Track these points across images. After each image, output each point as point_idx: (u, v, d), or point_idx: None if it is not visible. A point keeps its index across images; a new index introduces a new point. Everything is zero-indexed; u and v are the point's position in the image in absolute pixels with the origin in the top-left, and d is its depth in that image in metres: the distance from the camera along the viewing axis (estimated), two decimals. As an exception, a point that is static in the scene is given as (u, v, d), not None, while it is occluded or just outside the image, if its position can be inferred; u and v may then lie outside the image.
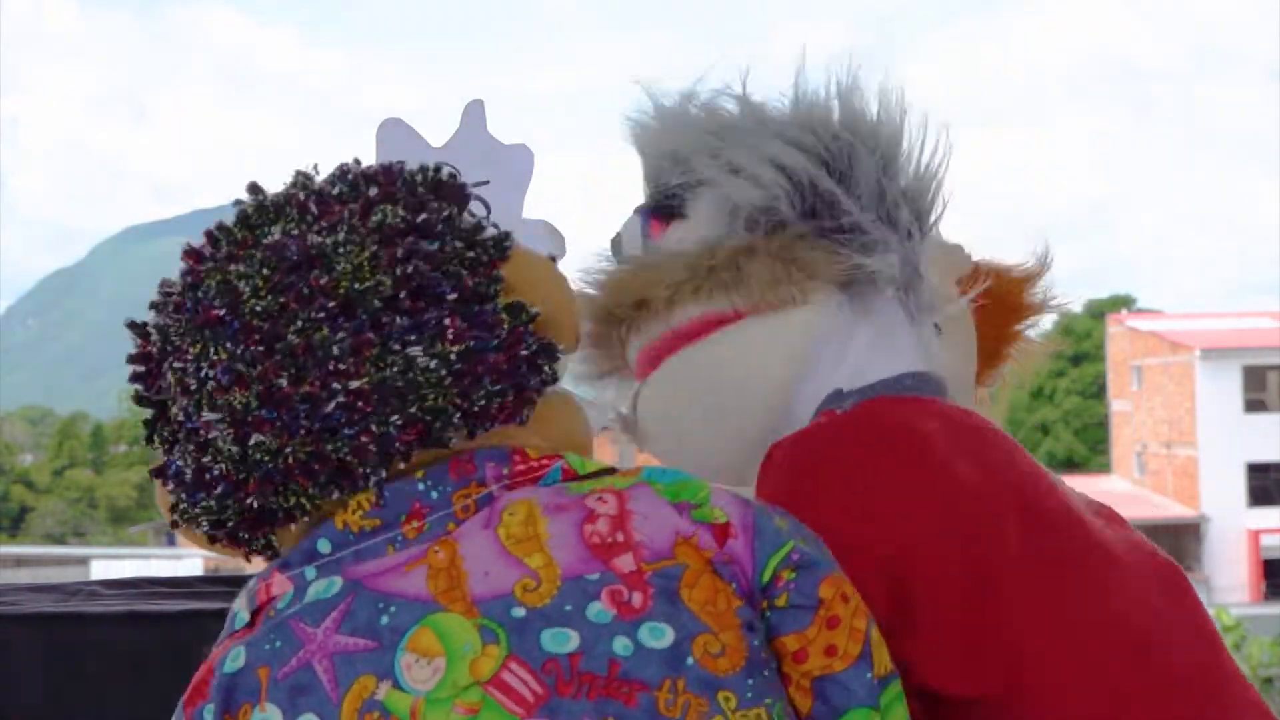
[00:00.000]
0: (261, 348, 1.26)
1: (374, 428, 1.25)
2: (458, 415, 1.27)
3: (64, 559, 38.45)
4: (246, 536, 1.31)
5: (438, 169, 1.38)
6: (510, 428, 1.31)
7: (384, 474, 1.26)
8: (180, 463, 1.30)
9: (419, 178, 1.36)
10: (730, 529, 1.28)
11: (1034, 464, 1.65)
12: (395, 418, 1.25)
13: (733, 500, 1.31)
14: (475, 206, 2.03)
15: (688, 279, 1.65)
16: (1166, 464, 43.81)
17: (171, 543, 46.44)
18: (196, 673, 1.28)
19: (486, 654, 1.20)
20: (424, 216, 1.32)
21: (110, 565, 31.83)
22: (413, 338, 1.26)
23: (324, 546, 1.27)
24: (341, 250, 1.28)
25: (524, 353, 1.30)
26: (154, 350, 1.33)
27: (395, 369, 1.25)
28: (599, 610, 1.23)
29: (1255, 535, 41.09)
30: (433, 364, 1.26)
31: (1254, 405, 42.42)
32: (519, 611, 1.22)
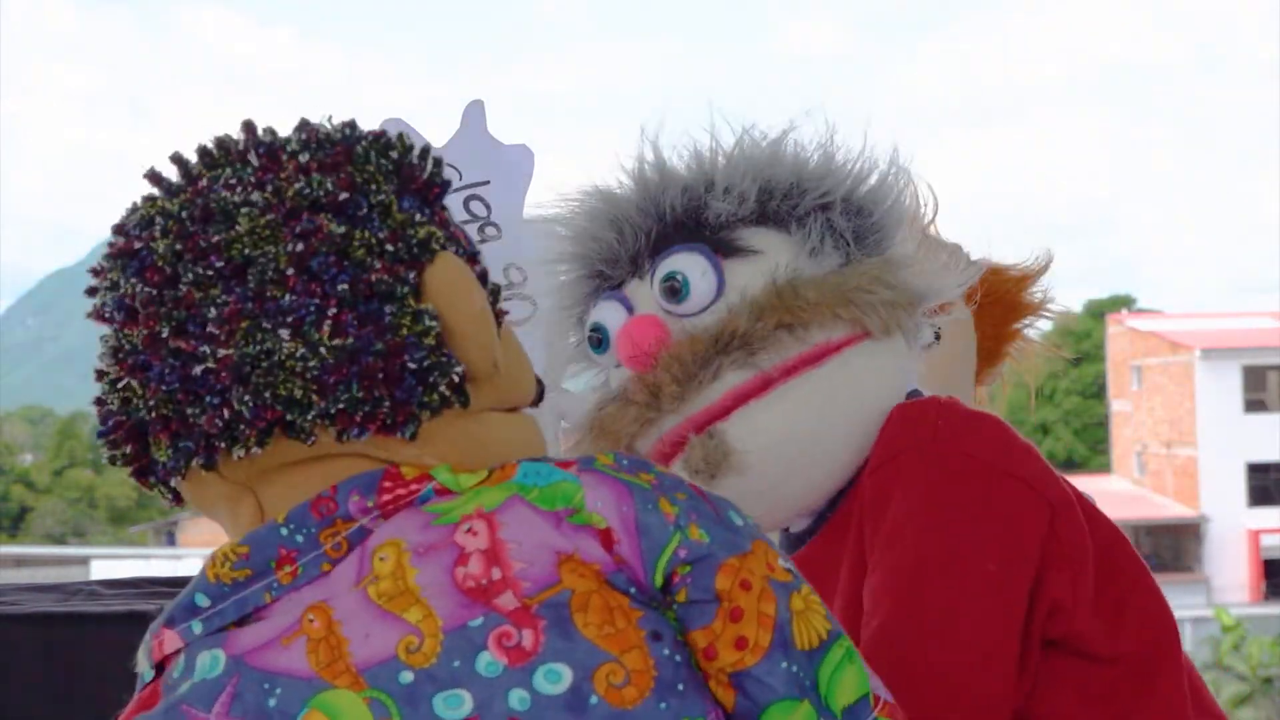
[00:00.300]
0: (154, 290, 1.22)
1: (233, 402, 1.19)
2: (317, 412, 1.19)
3: (64, 559, 38.41)
4: (139, 480, 1.27)
5: (424, 152, 1.29)
6: (391, 440, 1.22)
7: (245, 451, 1.21)
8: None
9: (382, 157, 1.26)
10: (612, 534, 1.19)
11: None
12: (248, 398, 1.18)
13: (610, 496, 1.21)
14: (476, 207, 2.03)
15: (826, 302, 1.63)
16: (1166, 464, 43.78)
17: (171, 543, 46.42)
18: None
19: None
20: (346, 195, 1.22)
21: (110, 565, 31.79)
22: (289, 319, 1.18)
23: (201, 600, 1.21)
24: (244, 211, 1.21)
25: (410, 364, 1.20)
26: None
27: (260, 347, 1.18)
28: (489, 662, 1.15)
29: (1255, 535, 41.07)
30: (299, 351, 1.18)
31: (1254, 405, 42.39)
32: (406, 676, 1.15)
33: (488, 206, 2.00)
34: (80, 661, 1.89)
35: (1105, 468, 48.32)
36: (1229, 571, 40.47)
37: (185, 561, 33.76)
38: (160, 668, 1.23)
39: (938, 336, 2.03)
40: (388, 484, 1.21)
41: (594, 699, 1.15)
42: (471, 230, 2.00)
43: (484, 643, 1.16)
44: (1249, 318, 47.09)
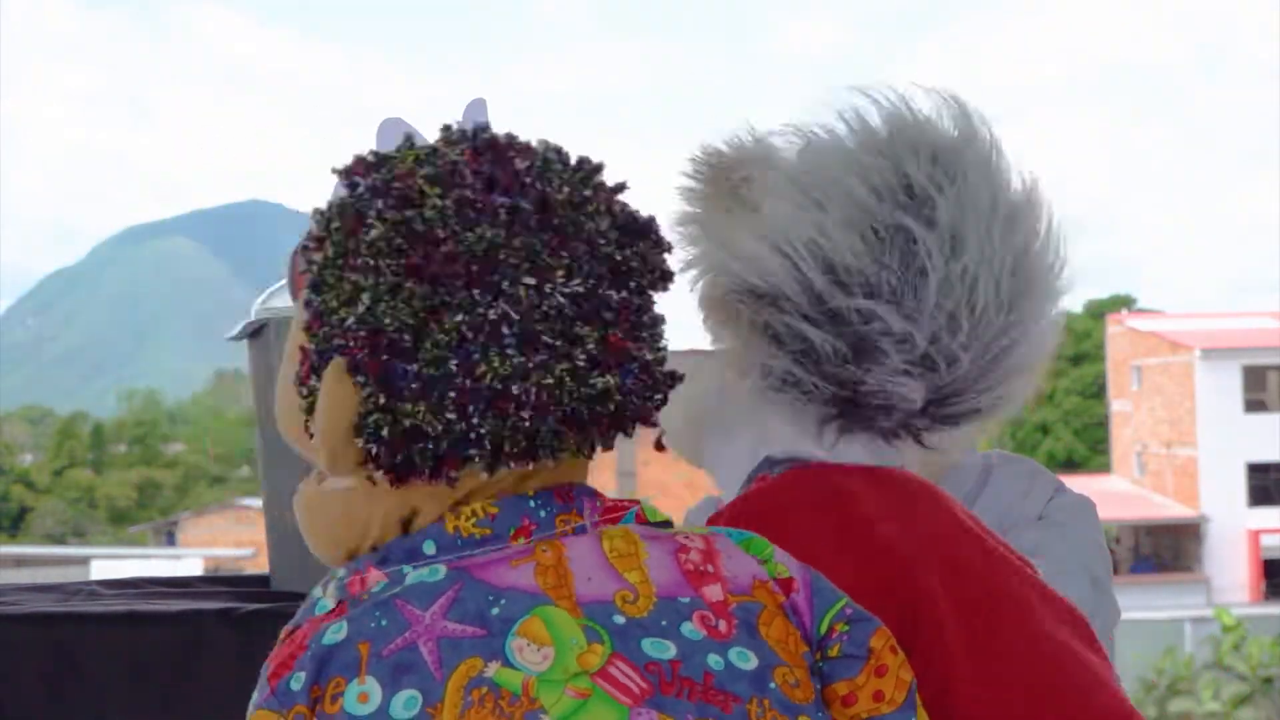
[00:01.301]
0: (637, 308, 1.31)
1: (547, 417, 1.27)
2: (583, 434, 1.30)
3: (64, 559, 38.43)
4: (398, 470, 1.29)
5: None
6: (579, 460, 1.35)
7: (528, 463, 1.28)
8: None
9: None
10: (793, 583, 1.35)
11: (958, 518, 1.67)
12: (557, 413, 1.27)
13: (790, 559, 1.37)
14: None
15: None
16: (1166, 464, 43.79)
17: (171, 543, 46.44)
18: (282, 646, 1.28)
19: (592, 650, 1.24)
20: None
21: (110, 565, 31.80)
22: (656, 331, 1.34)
23: (429, 548, 1.29)
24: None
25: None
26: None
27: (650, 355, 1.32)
28: (691, 629, 1.28)
29: (1255, 535, 41.08)
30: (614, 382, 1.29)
31: (1254, 405, 42.40)
32: (619, 619, 1.27)
33: (488, 206, 2.00)
34: (80, 661, 1.89)
35: (1105, 468, 48.33)
36: (1229, 571, 40.48)
37: (185, 561, 33.80)
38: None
39: None
40: (600, 498, 1.35)
41: (773, 684, 1.29)
42: (471, 230, 2.00)
43: (689, 615, 1.29)
44: (1249, 318, 47.11)
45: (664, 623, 1.28)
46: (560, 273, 1.26)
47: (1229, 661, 24.23)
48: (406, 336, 1.23)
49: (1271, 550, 40.88)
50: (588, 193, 1.31)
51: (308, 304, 1.29)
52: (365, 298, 1.24)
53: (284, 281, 2.11)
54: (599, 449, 1.33)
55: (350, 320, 1.25)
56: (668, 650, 1.27)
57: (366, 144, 2.01)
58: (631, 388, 1.30)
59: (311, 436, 1.30)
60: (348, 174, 1.30)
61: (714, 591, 1.31)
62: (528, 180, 1.28)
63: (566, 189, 1.29)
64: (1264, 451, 41.38)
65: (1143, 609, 28.10)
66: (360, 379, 1.25)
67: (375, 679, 1.22)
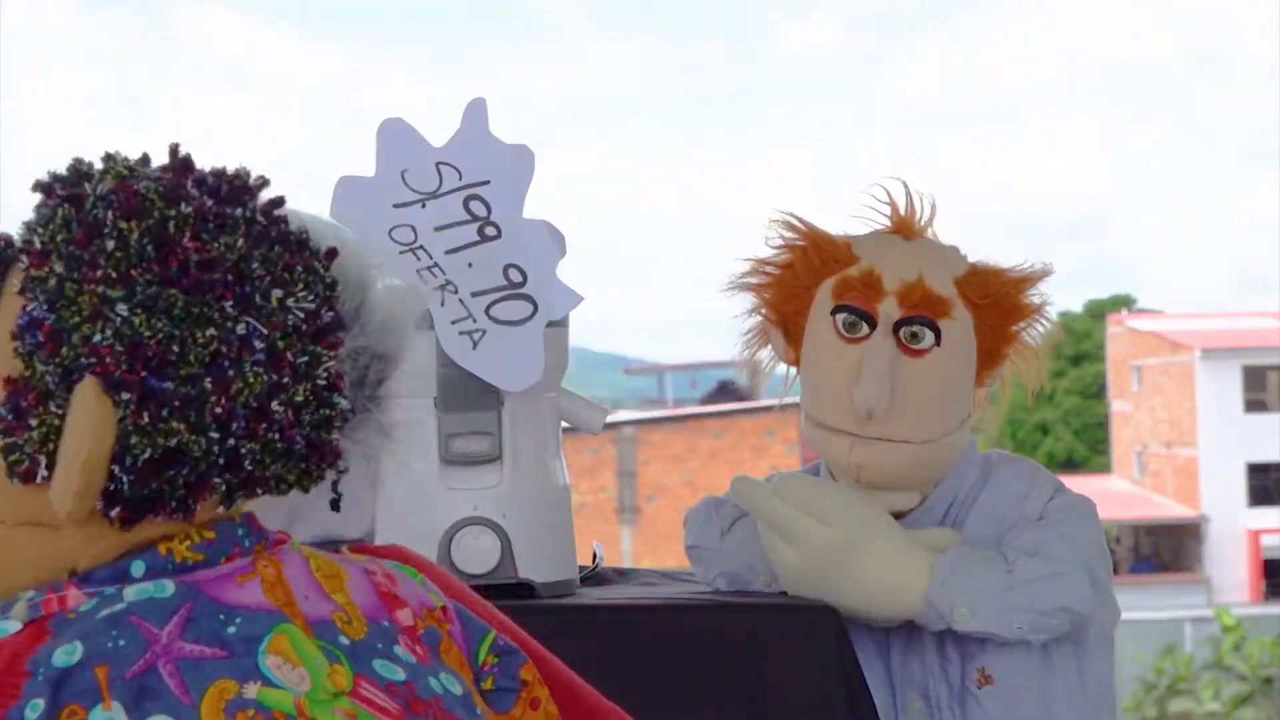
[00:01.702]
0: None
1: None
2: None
3: (64, 559, 38.38)
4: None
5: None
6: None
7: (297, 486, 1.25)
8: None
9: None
10: (449, 613, 1.32)
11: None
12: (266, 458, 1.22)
13: (437, 589, 1.35)
14: (476, 206, 2.03)
15: None
16: (1166, 464, 43.78)
17: (171, 543, 46.34)
18: None
19: (335, 670, 1.21)
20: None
21: (110, 565, 31.76)
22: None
23: (137, 570, 1.21)
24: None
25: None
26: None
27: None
28: (403, 652, 1.26)
29: (1255, 535, 41.07)
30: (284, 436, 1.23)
31: (1254, 405, 42.39)
32: (344, 639, 1.23)
33: (488, 206, 2.00)
34: (80, 661, 1.89)
35: (1105, 468, 48.30)
36: (1229, 571, 40.46)
37: (185, 561, 33.72)
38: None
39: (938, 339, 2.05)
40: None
41: (479, 711, 1.28)
42: (471, 230, 2.00)
43: (396, 639, 1.26)
44: (1249, 318, 47.09)
45: (379, 645, 1.25)
46: (299, 287, 1.23)
47: (1229, 661, 24.23)
48: (169, 349, 1.17)
49: (1271, 550, 40.85)
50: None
51: (33, 325, 1.18)
52: (120, 309, 1.16)
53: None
54: (319, 479, 1.27)
55: (102, 335, 1.16)
56: (398, 673, 1.24)
57: (366, 144, 2.01)
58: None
59: (26, 477, 1.19)
60: (48, 190, 1.25)
61: (405, 616, 1.28)
62: (245, 196, 1.25)
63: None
64: (1264, 451, 41.35)
65: (1143, 609, 28.08)
66: (121, 396, 1.16)
67: (120, 705, 1.14)
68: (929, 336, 2.06)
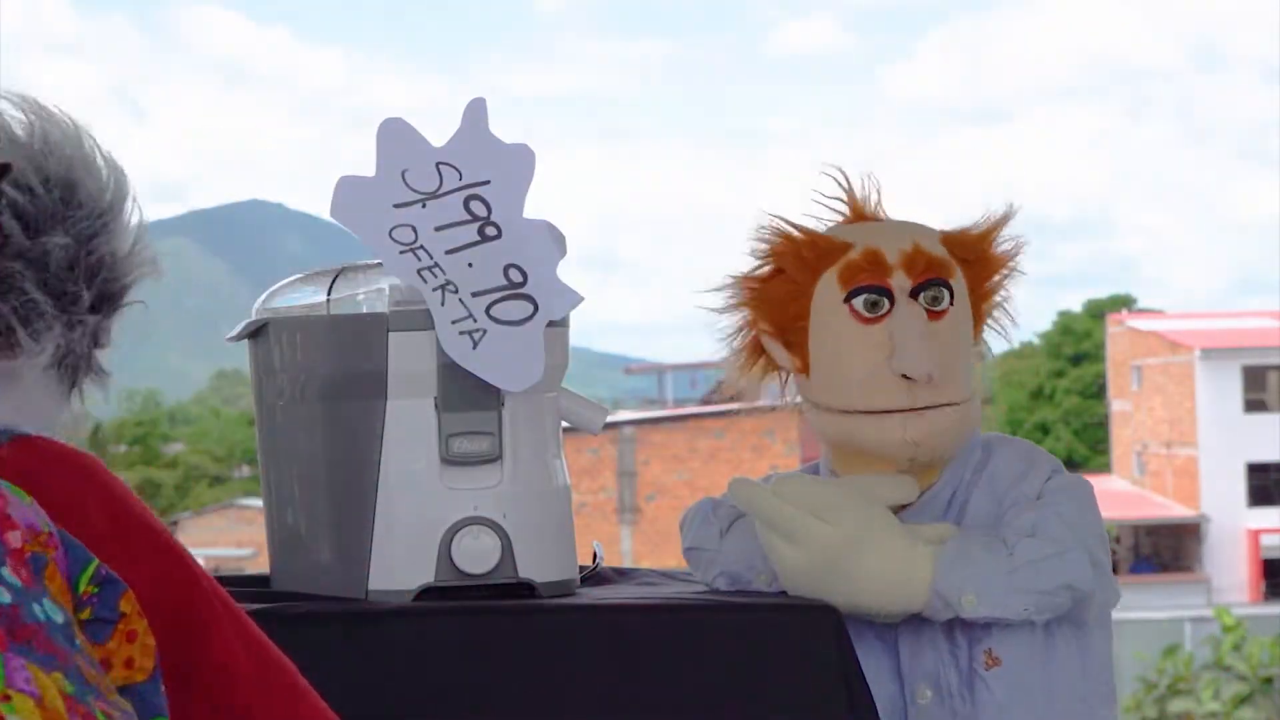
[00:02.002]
0: None
1: None
2: None
3: (64, 559, 38.39)
4: None
5: None
6: None
7: None
8: None
9: None
10: (54, 539, 1.31)
11: None
12: None
13: (44, 514, 1.32)
14: (476, 206, 2.03)
15: None
16: (1166, 464, 43.78)
17: (171, 543, 46.33)
18: None
19: None
20: None
21: (110, 565, 31.75)
22: None
23: None
24: None
25: None
26: None
27: None
28: (9, 575, 1.25)
29: (1255, 535, 41.06)
30: None
31: (1254, 405, 42.39)
32: None
33: (488, 206, 2.00)
34: (80, 661, 1.89)
35: (1105, 468, 48.30)
36: (1229, 571, 40.46)
37: (185, 561, 33.69)
38: None
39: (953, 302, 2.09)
40: None
41: (78, 642, 1.27)
42: (472, 230, 2.00)
43: (4, 560, 1.25)
44: (1249, 318, 47.09)
45: None
46: None
47: (1229, 661, 24.22)
48: None
49: (1271, 550, 40.85)
50: None
51: None
52: None
53: (284, 282, 2.11)
54: None
55: None
56: (3, 595, 1.23)
57: (367, 144, 2.01)
58: None
59: None
60: None
61: (14, 538, 1.27)
62: None
63: None
64: (1264, 451, 41.34)
65: (1143, 609, 28.08)
66: None
67: None
68: (946, 297, 2.09)
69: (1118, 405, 47.45)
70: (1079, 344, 56.96)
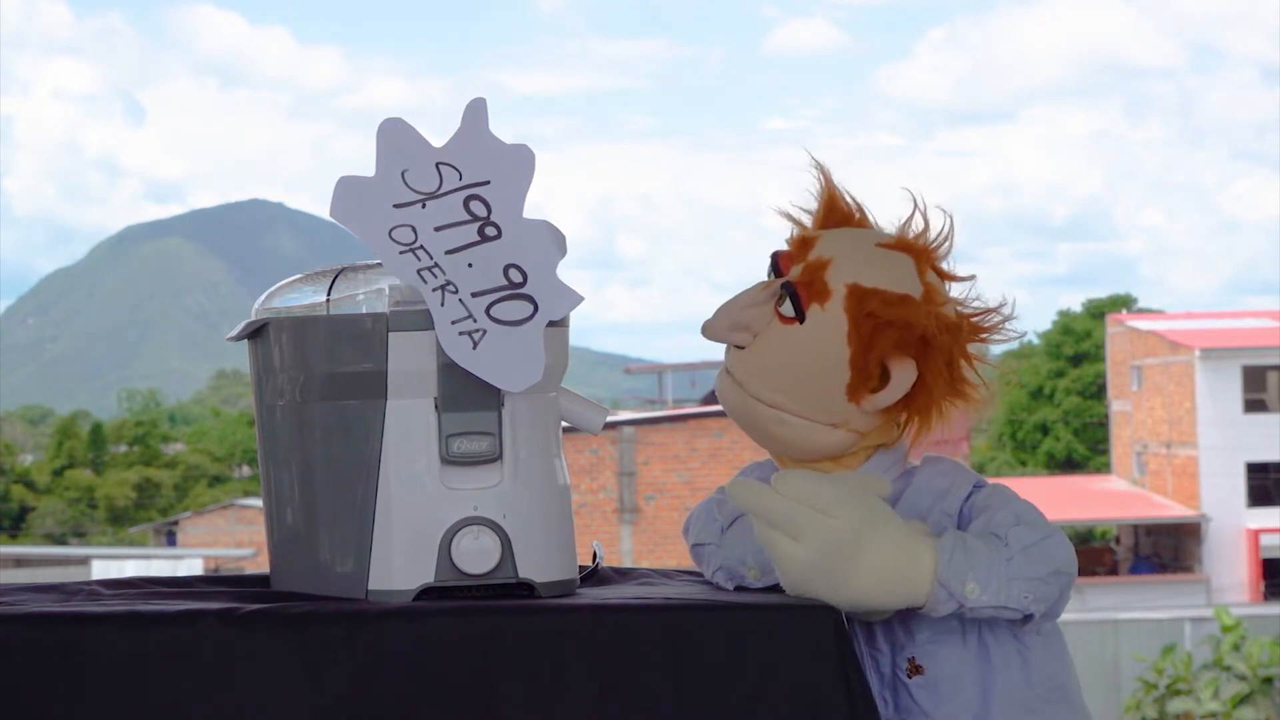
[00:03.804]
0: None
1: None
2: None
3: (64, 559, 38.41)
4: None
5: None
6: None
7: None
8: None
9: None
10: None
11: None
12: None
13: None
14: (476, 207, 2.03)
15: None
16: (1166, 464, 43.77)
17: (171, 543, 46.39)
18: None
19: None
20: None
21: (110, 565, 31.78)
22: None
23: None
24: None
25: None
26: None
27: None
28: None
29: (1255, 535, 41.06)
30: None
31: (1254, 405, 42.39)
32: None
33: (488, 206, 2.00)
34: (80, 661, 1.89)
35: (1105, 468, 48.30)
36: (1229, 571, 40.45)
37: (185, 562, 33.75)
38: None
39: None
40: None
41: None
42: (471, 230, 2.00)
43: None
44: (1249, 318, 47.08)
45: None
46: None
47: (1229, 661, 24.20)
48: None
49: (1271, 550, 40.85)
50: None
51: None
52: None
53: (284, 282, 2.11)
54: None
55: None
56: None
57: (364, 142, 2.02)
58: None
59: None
60: None
61: None
62: None
63: None
64: (1264, 451, 41.36)
65: (1143, 609, 28.08)
66: None
67: None
68: (789, 308, 2.08)
69: (1118, 405, 47.44)
70: (1079, 344, 56.93)
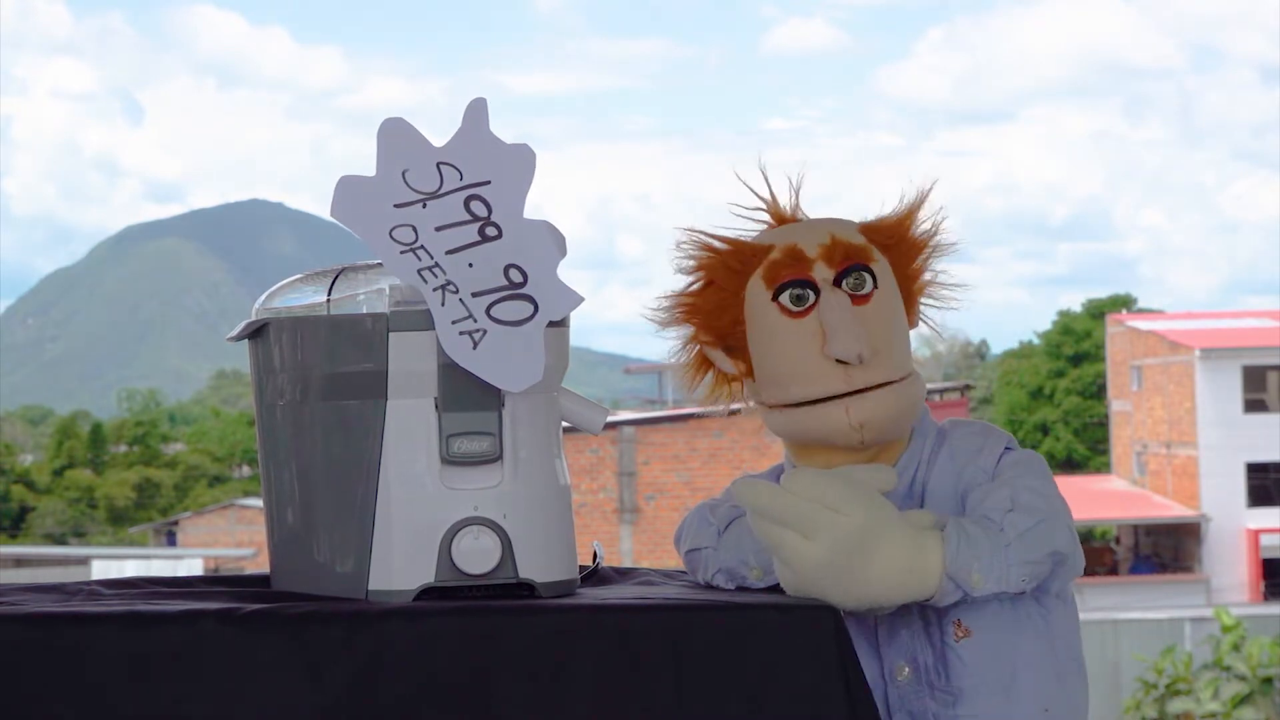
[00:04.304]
0: None
1: None
2: None
3: (64, 559, 38.42)
4: None
5: None
6: None
7: None
8: None
9: None
10: None
11: None
12: None
13: None
14: (476, 206, 2.03)
15: None
16: (1166, 464, 43.77)
17: (171, 543, 46.39)
18: None
19: None
20: None
21: (110, 565, 31.78)
22: None
23: None
24: None
25: None
26: None
27: None
28: None
29: (1255, 535, 41.06)
30: None
31: (1254, 405, 42.39)
32: None
33: (488, 206, 2.00)
34: (80, 661, 1.89)
35: (1105, 468, 48.30)
36: (1229, 571, 40.45)
37: (185, 562, 33.76)
38: None
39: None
40: None
41: None
42: (472, 230, 2.00)
43: None
44: (1249, 318, 47.09)
45: None
46: None
47: (1229, 661, 24.20)
48: None
49: (1271, 550, 40.84)
50: None
51: None
52: None
53: (284, 282, 2.11)
54: None
55: None
56: None
57: (366, 144, 2.02)
58: None
59: None
60: None
61: None
62: None
63: None
64: (1264, 451, 41.35)
65: (1143, 609, 28.07)
66: None
67: None
68: (868, 281, 2.14)
69: (1118, 405, 47.44)
70: (1079, 344, 56.94)
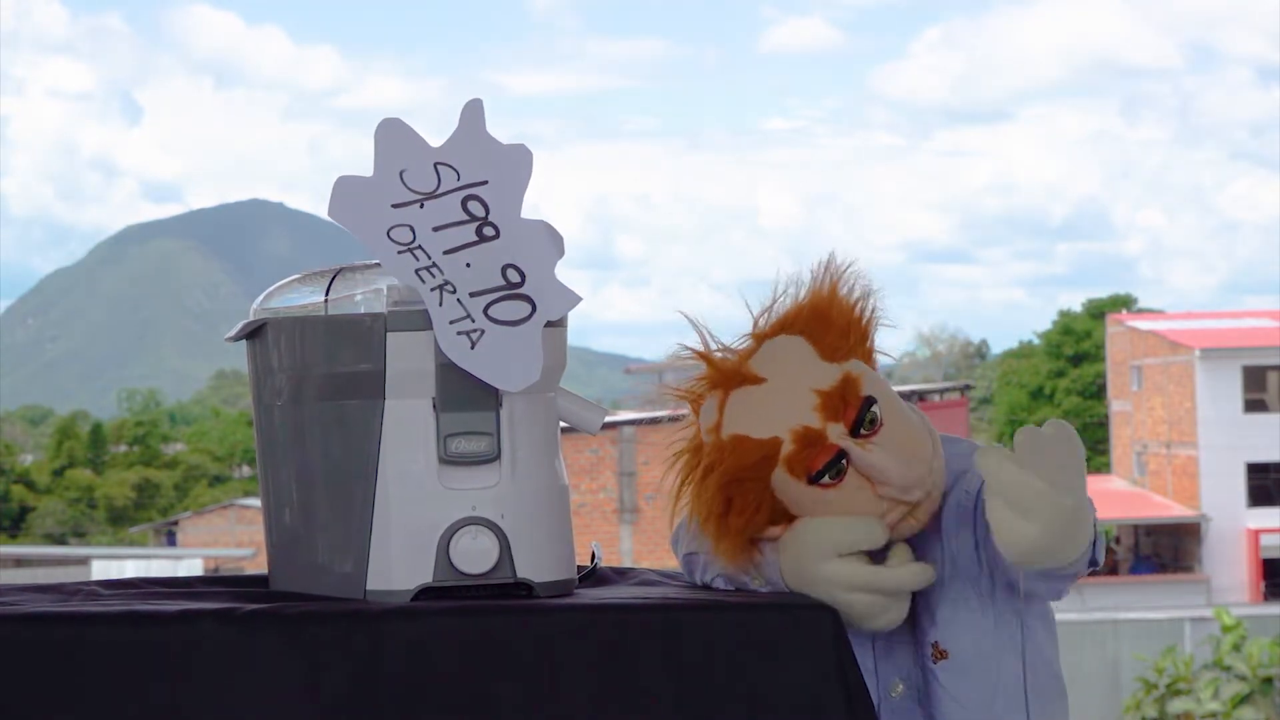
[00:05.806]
0: None
1: None
2: None
3: (64, 559, 38.42)
4: None
5: None
6: None
7: None
8: None
9: None
10: None
11: None
12: None
13: None
14: (474, 207, 2.03)
15: None
16: (1166, 464, 43.78)
17: (171, 543, 46.39)
18: None
19: None
20: None
21: (110, 565, 31.79)
22: None
23: None
24: None
25: None
26: None
27: None
28: None
29: (1255, 535, 41.07)
30: None
31: (1254, 405, 42.40)
32: None
33: (486, 206, 2.00)
34: (80, 661, 1.89)
35: (1105, 468, 48.28)
36: (1229, 571, 40.46)
37: (185, 562, 33.76)
38: None
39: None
40: None
41: None
42: (469, 230, 2.00)
43: None
44: (1249, 318, 47.10)
45: None
46: None
47: (1229, 661, 24.20)
48: None
49: (1271, 550, 40.85)
50: None
51: None
52: None
53: (282, 282, 2.11)
54: None
55: None
56: None
57: (364, 144, 2.01)
58: None
59: None
60: None
61: None
62: None
63: None
64: (1264, 451, 41.36)
65: (1143, 609, 28.08)
66: None
67: None
68: (874, 407, 2.05)
69: (1118, 405, 47.44)
70: (1079, 344, 56.93)
